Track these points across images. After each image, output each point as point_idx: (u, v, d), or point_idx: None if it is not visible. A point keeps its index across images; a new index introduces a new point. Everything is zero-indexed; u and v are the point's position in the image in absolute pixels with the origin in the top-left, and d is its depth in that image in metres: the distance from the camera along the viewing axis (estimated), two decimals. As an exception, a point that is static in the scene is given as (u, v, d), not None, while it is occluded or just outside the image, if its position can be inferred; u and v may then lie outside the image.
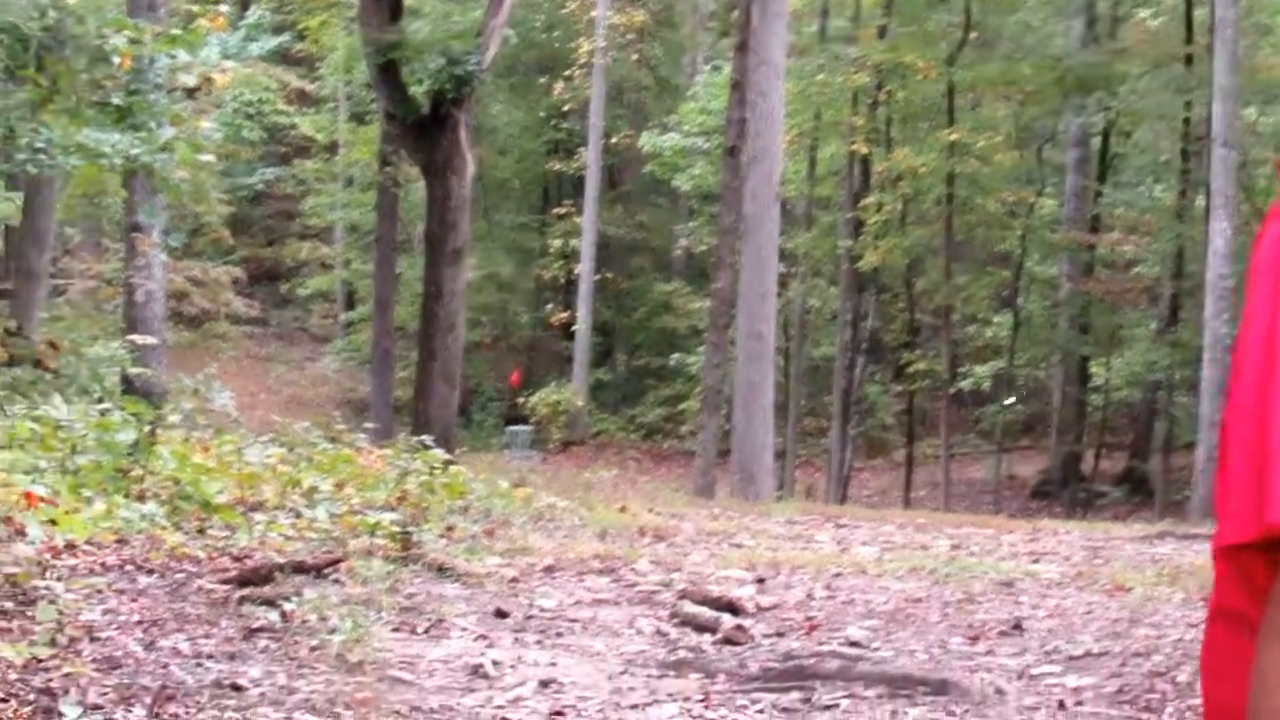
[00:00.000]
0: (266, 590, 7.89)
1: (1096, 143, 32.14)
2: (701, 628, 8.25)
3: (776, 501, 20.23)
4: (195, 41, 12.63)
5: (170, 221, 27.27)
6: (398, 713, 6.01)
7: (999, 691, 6.81)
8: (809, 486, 31.03)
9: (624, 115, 40.89)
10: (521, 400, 36.42)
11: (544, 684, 6.77)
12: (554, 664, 7.21)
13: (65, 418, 11.16)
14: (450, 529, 11.11)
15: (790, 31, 25.07)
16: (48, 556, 8.04)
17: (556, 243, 39.95)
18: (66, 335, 19.84)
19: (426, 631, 7.74)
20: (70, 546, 8.52)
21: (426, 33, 20.68)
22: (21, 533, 8.10)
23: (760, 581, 10.02)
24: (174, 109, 14.58)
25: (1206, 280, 22.81)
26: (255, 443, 13.10)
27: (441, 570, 9.33)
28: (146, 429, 10.94)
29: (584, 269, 37.61)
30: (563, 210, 40.31)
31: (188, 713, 5.65)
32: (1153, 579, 10.37)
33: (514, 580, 9.45)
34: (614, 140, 38.87)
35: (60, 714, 5.39)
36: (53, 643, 6.28)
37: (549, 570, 10.06)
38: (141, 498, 10.09)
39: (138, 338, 17.94)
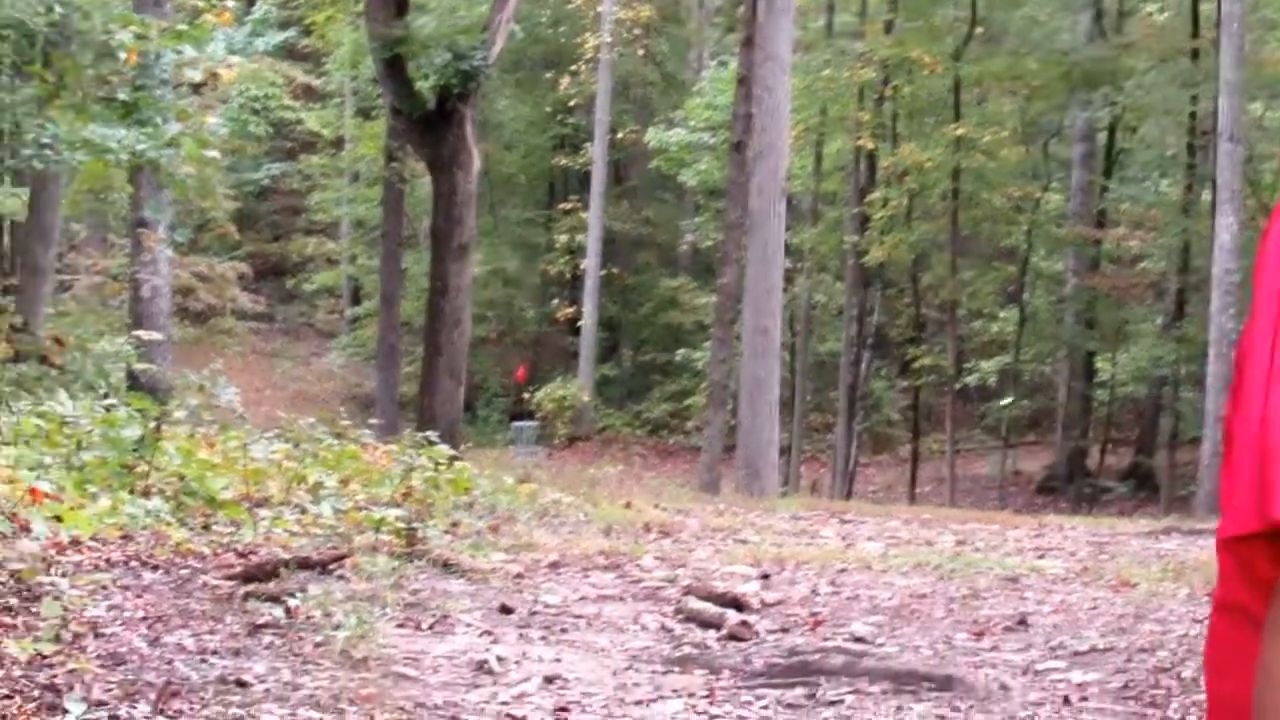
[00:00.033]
0: (271, 586, 7.89)
1: (1102, 138, 32.10)
2: (706, 624, 8.25)
3: (781, 497, 20.23)
4: (201, 37, 12.64)
5: (176, 217, 27.31)
6: (402, 709, 6.00)
7: (1004, 687, 6.81)
8: (814, 482, 31.03)
9: (630, 110, 40.88)
10: (527, 396, 36.41)
11: (548, 680, 6.77)
12: (558, 660, 7.21)
13: (70, 413, 11.17)
14: (455, 525, 11.11)
15: (796, 26, 25.06)
16: (52, 552, 8.04)
17: (562, 238, 39.94)
18: (72, 331, 19.88)
19: (431, 627, 7.73)
20: (75, 542, 8.52)
21: (432, 28, 20.65)
22: (26, 529, 8.11)
23: (765, 577, 10.02)
24: (180, 104, 14.60)
25: (1212, 275, 22.79)
26: (260, 438, 13.11)
27: (446, 566, 9.32)
28: (151, 425, 10.94)
29: (590, 264, 37.60)
30: (568, 205, 40.32)
31: (192, 709, 5.65)
32: (1158, 574, 10.35)
33: (519, 576, 9.45)
34: (620, 135, 38.85)
35: (64, 710, 5.39)
36: (57, 639, 6.28)
37: (554, 566, 10.06)
38: (146, 494, 10.08)
39: (143, 333, 17.95)
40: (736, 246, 21.92)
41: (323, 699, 5.93)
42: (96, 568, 8.13)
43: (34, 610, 6.69)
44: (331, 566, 8.60)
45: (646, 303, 39.98)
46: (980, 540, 13.08)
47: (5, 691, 5.54)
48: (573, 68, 38.72)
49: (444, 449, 13.35)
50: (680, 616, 8.48)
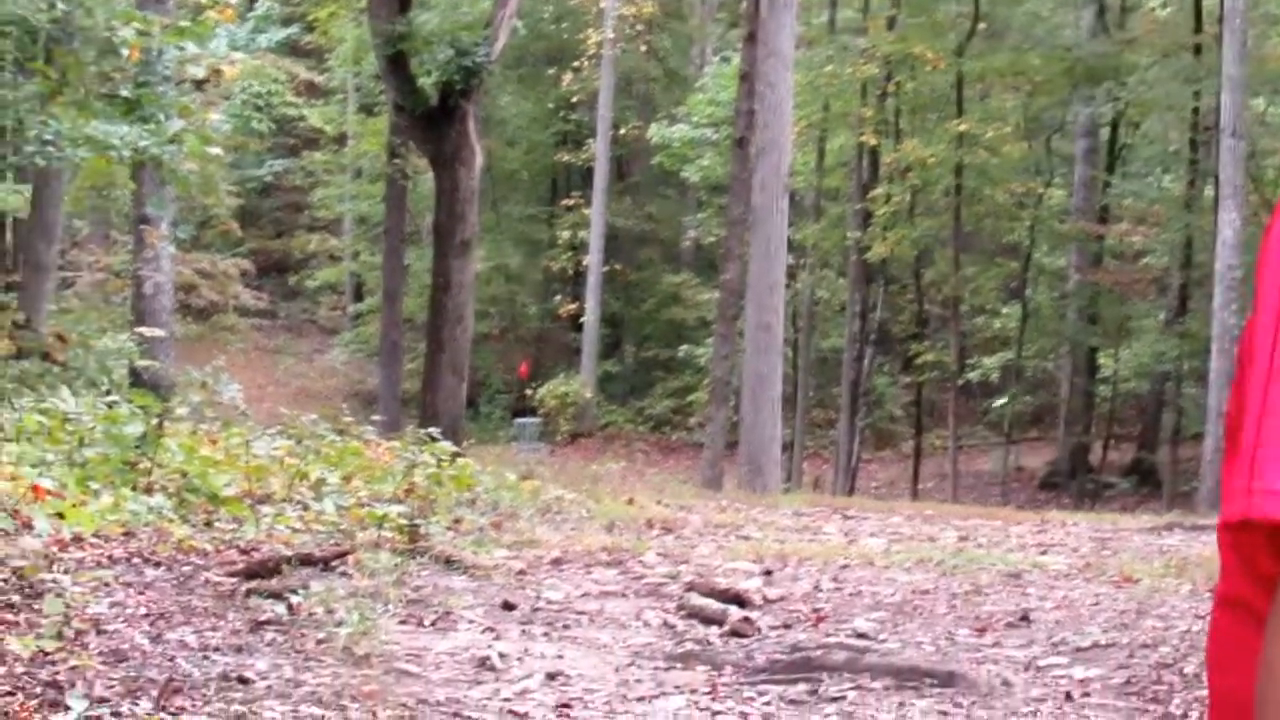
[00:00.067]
0: (273, 583, 7.89)
1: (1105, 133, 32.08)
2: (708, 620, 8.25)
3: (784, 493, 20.23)
4: (204, 33, 12.63)
5: (179, 214, 27.31)
6: (404, 705, 6.00)
7: (1006, 683, 6.81)
8: (817, 478, 31.03)
9: (632, 106, 40.88)
10: (529, 392, 36.42)
11: (551, 676, 6.77)
12: (561, 656, 7.21)
13: (73, 410, 11.17)
14: (458, 521, 11.12)
15: (799, 22, 25.04)
16: (54, 549, 8.05)
17: (565, 234, 39.94)
18: (74, 328, 19.88)
19: (433, 624, 7.73)
20: (77, 539, 8.52)
21: (435, 24, 20.65)
22: (29, 526, 8.11)
23: (768, 573, 10.02)
24: (182, 101, 14.60)
25: (1215, 271, 22.78)
26: (263, 435, 13.10)
27: (449, 562, 9.33)
28: (154, 421, 10.94)
29: (592, 260, 37.60)
30: (571, 202, 40.31)
31: (194, 705, 5.65)
32: (1160, 570, 10.35)
33: (521, 572, 9.45)
34: (622, 131, 38.85)
35: (66, 707, 5.39)
36: (59, 636, 6.28)
37: (556, 562, 10.06)
38: (149, 490, 10.09)
39: (146, 330, 17.97)
40: (739, 242, 21.93)
41: (325, 696, 5.93)
42: (99, 564, 8.13)
43: (36, 607, 6.70)
44: (334, 563, 8.61)
45: (649, 299, 39.97)
46: (983, 536, 13.08)
47: (8, 688, 5.54)
48: (575, 64, 38.70)
49: (446, 445, 13.36)
50: (682, 613, 8.48)
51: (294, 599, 7.48)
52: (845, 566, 10.45)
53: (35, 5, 12.70)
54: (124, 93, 13.20)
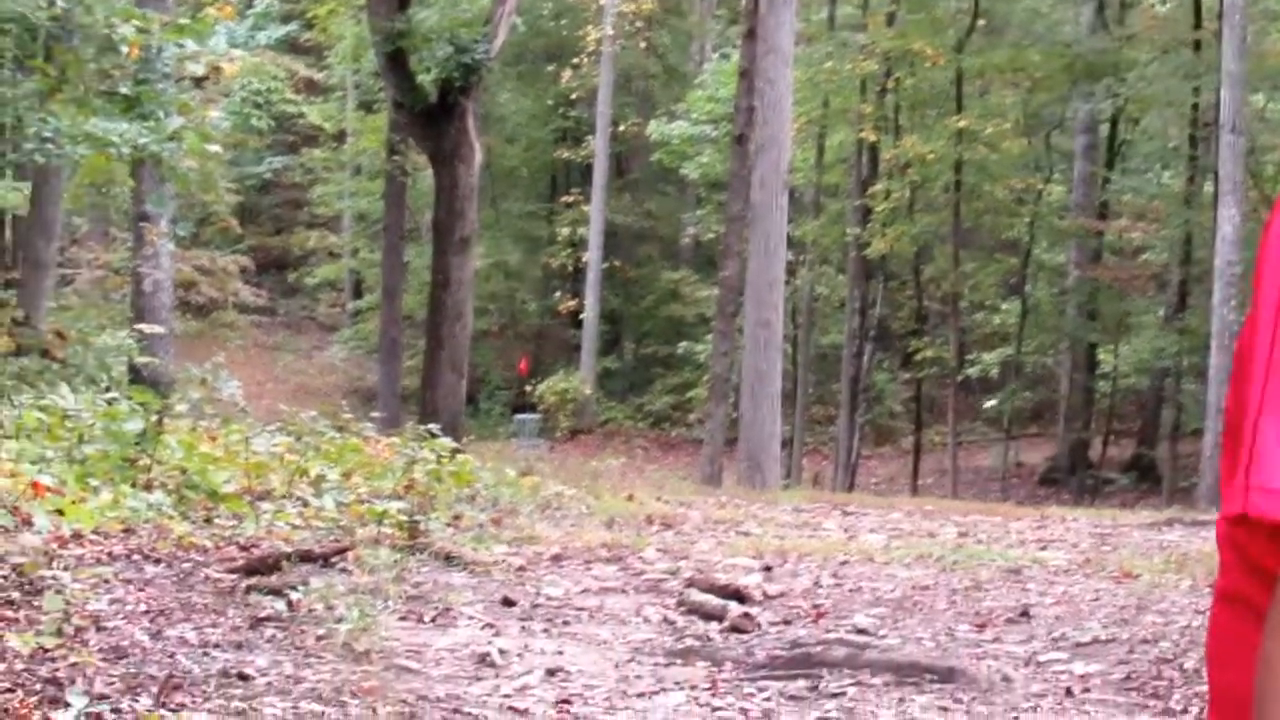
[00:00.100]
0: (273, 579, 7.89)
1: (1105, 129, 32.07)
2: (708, 616, 8.25)
3: (784, 489, 20.24)
4: (203, 31, 12.63)
5: (178, 211, 27.30)
6: (404, 701, 6.00)
7: (1006, 679, 6.81)
8: (816, 474, 31.03)
9: (632, 103, 40.87)
10: (529, 389, 36.43)
11: (551, 672, 6.77)
12: (561, 652, 7.21)
13: (72, 407, 11.16)
14: (457, 517, 11.12)
15: (798, 19, 25.03)
16: (54, 546, 8.05)
17: (564, 231, 39.95)
18: (74, 325, 19.88)
19: (433, 620, 7.74)
20: (77, 536, 8.52)
21: (434, 21, 20.64)
22: (28, 522, 8.11)
23: (767, 569, 10.02)
24: (182, 98, 14.59)
25: (1214, 267, 22.78)
26: (262, 432, 13.10)
27: (448, 559, 9.33)
28: (153, 418, 10.94)
29: (592, 257, 37.60)
30: (570, 198, 40.31)
31: (194, 702, 5.65)
32: (1160, 566, 10.36)
33: (521, 569, 9.45)
34: (622, 128, 38.84)
35: (66, 704, 5.39)
36: (59, 632, 6.28)
37: (556, 559, 10.06)
38: (148, 487, 10.09)
39: (145, 327, 17.97)
40: (738, 239, 21.92)
41: (325, 692, 5.93)
42: (98, 561, 8.13)
43: (36, 604, 6.70)
44: (333, 559, 8.61)
45: (648, 295, 39.98)
46: (982, 532, 13.08)
47: (7, 685, 5.54)
48: (574, 61, 38.70)
49: (446, 442, 13.35)
50: (682, 609, 8.48)
51: (294, 595, 7.48)
52: (845, 562, 10.45)
53: (35, 2, 12.69)
54: (123, 90, 13.19)
